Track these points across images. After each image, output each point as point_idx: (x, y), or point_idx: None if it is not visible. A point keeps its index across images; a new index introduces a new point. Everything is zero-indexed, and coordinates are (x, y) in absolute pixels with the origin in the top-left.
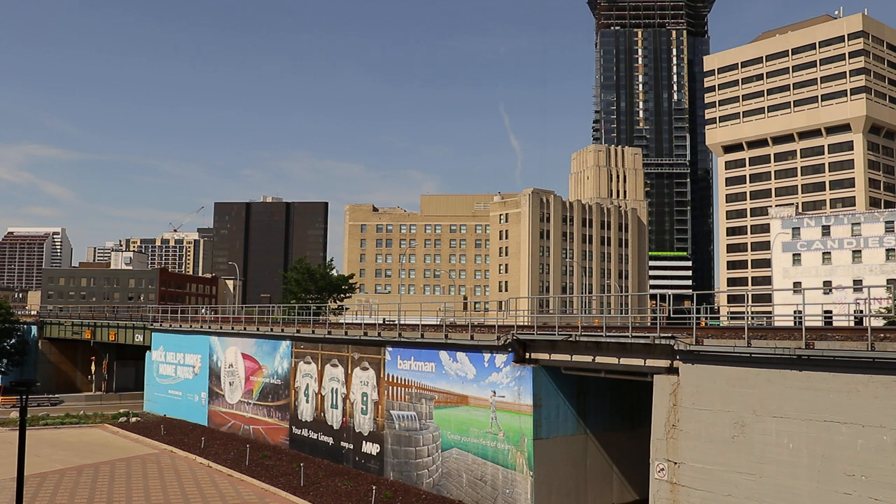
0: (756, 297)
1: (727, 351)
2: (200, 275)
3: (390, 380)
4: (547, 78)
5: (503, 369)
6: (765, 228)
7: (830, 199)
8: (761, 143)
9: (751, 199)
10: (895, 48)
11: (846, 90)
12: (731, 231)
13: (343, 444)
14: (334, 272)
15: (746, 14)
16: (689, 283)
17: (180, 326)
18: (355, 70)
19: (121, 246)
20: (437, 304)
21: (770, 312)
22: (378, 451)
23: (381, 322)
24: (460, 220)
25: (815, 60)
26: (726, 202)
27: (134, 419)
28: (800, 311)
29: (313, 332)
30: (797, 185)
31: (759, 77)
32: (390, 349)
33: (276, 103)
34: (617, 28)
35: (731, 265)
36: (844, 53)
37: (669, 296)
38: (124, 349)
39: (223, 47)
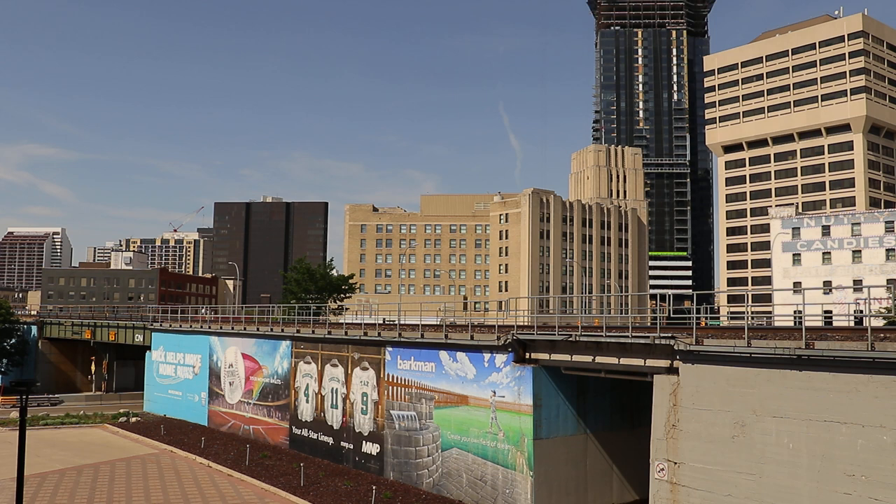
0: (756, 297)
1: (727, 351)
2: (200, 275)
3: (390, 380)
4: (547, 78)
5: (503, 369)
6: (765, 228)
7: (830, 199)
8: (761, 143)
9: (751, 199)
10: (895, 48)
11: (846, 90)
12: (731, 231)
13: (343, 444)
14: (334, 272)
15: (746, 14)
16: (689, 283)
17: (180, 326)
18: (355, 70)
19: (121, 246)
20: (437, 304)
21: (770, 312)
22: (378, 451)
23: (381, 322)
24: (460, 220)
25: (815, 60)
26: (726, 202)
27: (134, 419)
28: (800, 311)
29: (313, 332)
30: (797, 185)
31: (759, 77)
32: (390, 349)
33: (275, 103)
34: (617, 28)
35: (731, 265)
36: (844, 53)
37: (669, 296)
38: (124, 349)
39: (223, 47)
